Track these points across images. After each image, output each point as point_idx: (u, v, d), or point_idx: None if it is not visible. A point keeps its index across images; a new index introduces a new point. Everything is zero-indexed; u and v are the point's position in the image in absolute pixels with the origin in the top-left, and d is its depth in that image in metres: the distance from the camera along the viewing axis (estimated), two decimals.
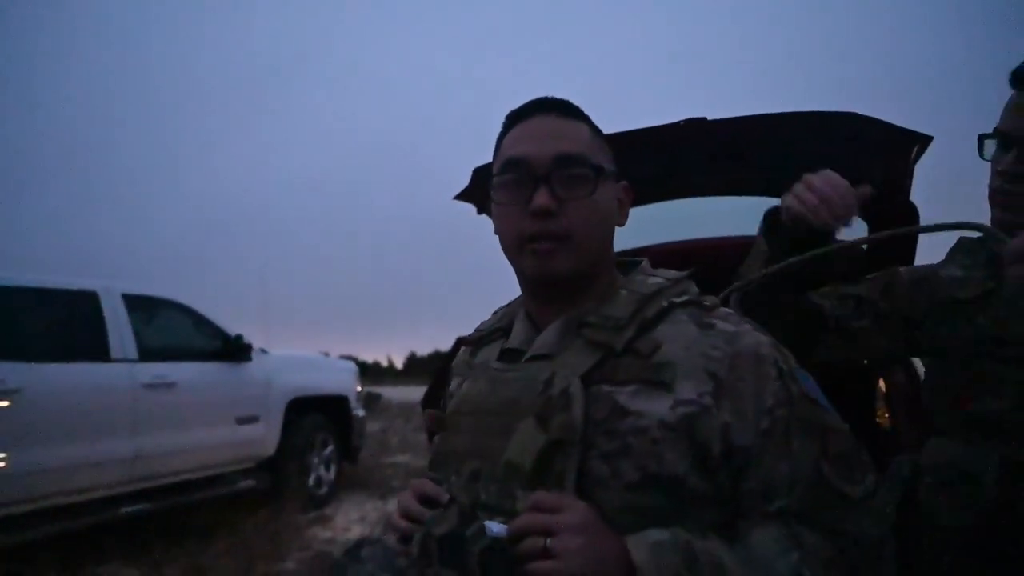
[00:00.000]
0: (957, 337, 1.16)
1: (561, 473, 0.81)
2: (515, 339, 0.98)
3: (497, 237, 0.98)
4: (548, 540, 0.74)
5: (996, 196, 1.04)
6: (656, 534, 0.77)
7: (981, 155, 1.07)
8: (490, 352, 1.01)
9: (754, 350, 0.85)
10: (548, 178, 0.89)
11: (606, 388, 0.85)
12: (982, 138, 1.06)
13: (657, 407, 0.82)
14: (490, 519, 0.80)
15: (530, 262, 0.91)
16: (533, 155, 0.90)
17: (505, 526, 0.78)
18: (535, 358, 0.92)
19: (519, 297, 1.07)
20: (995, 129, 1.06)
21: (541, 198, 0.88)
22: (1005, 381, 1.09)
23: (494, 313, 1.11)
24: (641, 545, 0.75)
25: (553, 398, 0.84)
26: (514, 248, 0.93)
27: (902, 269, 1.29)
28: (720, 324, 0.88)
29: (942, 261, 1.24)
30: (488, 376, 0.94)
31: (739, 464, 0.81)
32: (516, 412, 0.86)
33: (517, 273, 0.98)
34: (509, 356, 0.97)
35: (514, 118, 0.97)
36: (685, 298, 0.92)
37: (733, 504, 0.83)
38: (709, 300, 0.93)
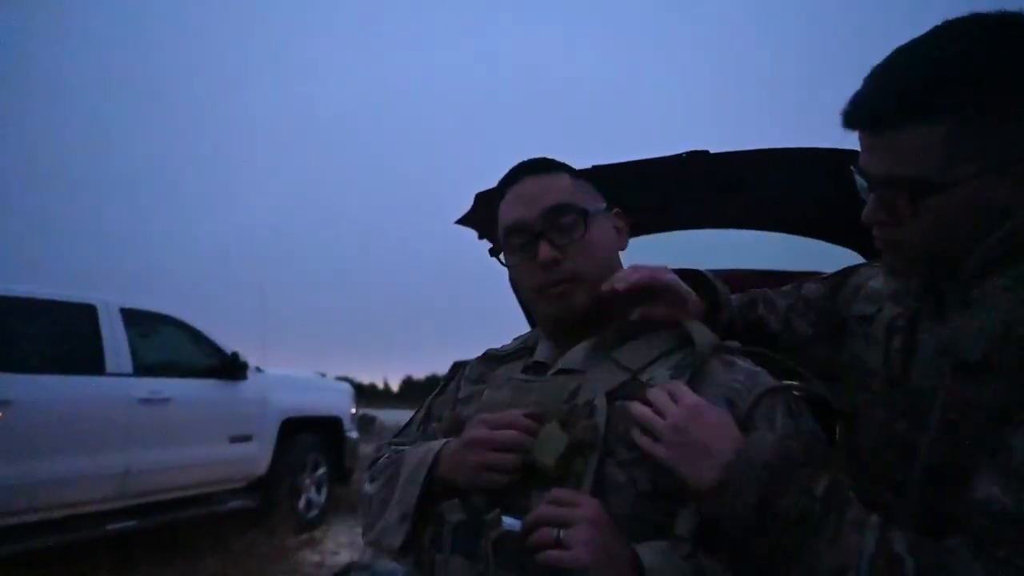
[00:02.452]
0: (851, 358, 1.05)
1: (580, 474, 0.86)
2: (540, 355, 1.06)
3: (510, 283, 1.13)
4: (561, 532, 0.78)
5: (876, 241, 0.92)
6: (663, 544, 0.80)
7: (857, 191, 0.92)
8: (513, 369, 1.08)
9: (769, 386, 0.92)
10: (544, 233, 1.00)
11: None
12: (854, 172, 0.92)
13: None
14: (504, 515, 0.85)
15: (550, 306, 1.01)
16: (525, 217, 1.02)
17: (520, 521, 0.83)
18: (562, 372, 0.99)
19: (534, 330, 1.16)
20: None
21: (544, 251, 0.99)
22: (870, 418, 0.97)
23: (515, 339, 1.18)
24: (650, 550, 0.79)
25: (578, 407, 0.91)
26: (534, 297, 1.03)
27: (860, 270, 1.16)
28: (740, 362, 0.96)
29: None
30: (512, 384, 1.02)
31: None
32: (538, 417, 0.92)
33: (539, 318, 1.09)
34: (535, 369, 1.05)
35: (504, 183, 1.09)
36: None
37: None
38: (731, 344, 1.00)
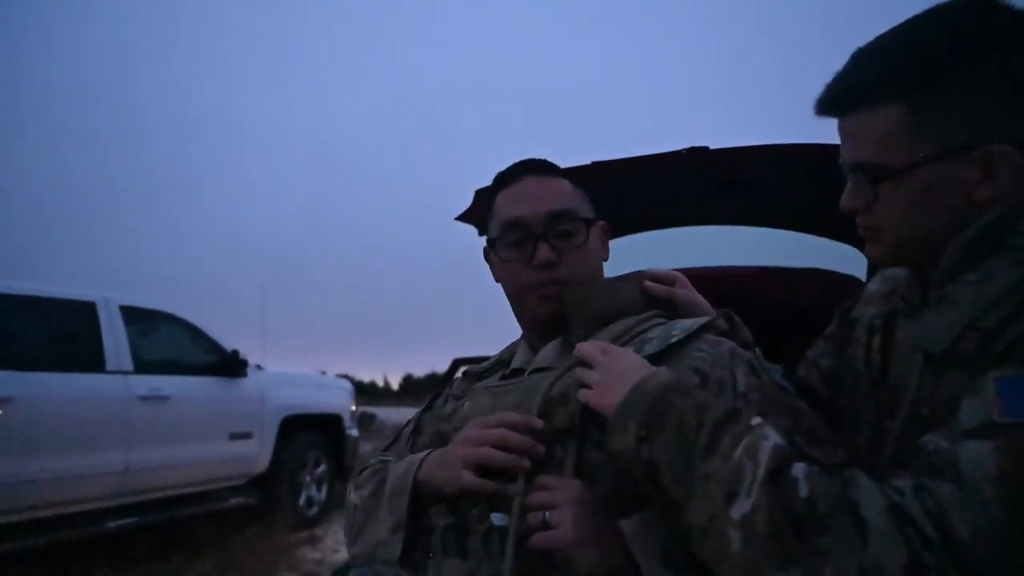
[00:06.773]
0: (846, 363, 1.03)
1: (561, 461, 0.89)
2: (516, 362, 1.09)
3: (500, 284, 1.10)
4: (547, 514, 0.82)
5: (859, 229, 0.91)
6: (645, 515, 0.83)
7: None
8: (491, 381, 1.09)
9: (731, 349, 0.95)
10: (545, 234, 1.01)
11: None
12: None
13: None
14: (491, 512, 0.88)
15: (538, 307, 1.02)
16: (529, 215, 1.02)
17: (506, 516, 0.86)
18: (536, 371, 1.01)
19: (512, 343, 1.17)
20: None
21: (543, 252, 0.99)
22: (861, 418, 0.96)
23: (492, 357, 1.19)
24: (630, 521, 0.82)
25: (553, 398, 0.93)
26: (521, 296, 1.04)
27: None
28: (706, 335, 0.98)
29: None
30: (490, 392, 1.03)
31: None
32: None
33: (520, 316, 1.09)
34: (512, 377, 1.06)
35: (502, 180, 1.09)
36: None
37: None
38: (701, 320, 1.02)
